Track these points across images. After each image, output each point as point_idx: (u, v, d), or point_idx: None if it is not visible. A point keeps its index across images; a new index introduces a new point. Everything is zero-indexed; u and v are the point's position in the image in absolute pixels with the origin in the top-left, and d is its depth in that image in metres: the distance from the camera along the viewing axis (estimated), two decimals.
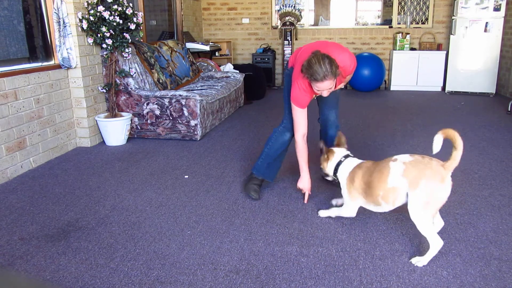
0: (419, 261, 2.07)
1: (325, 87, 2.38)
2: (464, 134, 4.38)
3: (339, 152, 2.51)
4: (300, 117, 2.62)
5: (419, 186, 2.02)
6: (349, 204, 2.40)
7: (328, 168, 2.51)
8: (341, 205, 2.55)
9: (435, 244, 2.04)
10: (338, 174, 2.45)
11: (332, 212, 2.54)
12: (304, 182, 2.74)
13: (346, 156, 2.47)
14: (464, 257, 2.12)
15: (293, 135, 2.86)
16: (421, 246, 2.23)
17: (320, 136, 3.07)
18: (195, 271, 2.02)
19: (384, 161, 2.22)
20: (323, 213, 2.59)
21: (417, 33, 7.33)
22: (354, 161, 2.42)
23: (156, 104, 4.19)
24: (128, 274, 2.00)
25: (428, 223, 2.05)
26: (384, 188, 2.15)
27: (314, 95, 2.66)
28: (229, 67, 6.53)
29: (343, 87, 2.95)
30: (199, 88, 4.98)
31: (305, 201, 2.77)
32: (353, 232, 2.39)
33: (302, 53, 2.64)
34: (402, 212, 2.62)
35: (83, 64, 3.87)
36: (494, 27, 6.46)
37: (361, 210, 2.64)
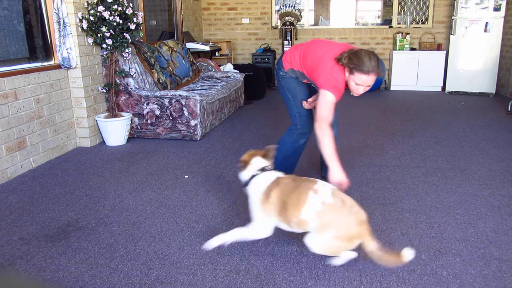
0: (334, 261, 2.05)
1: (368, 82, 2.34)
2: (464, 134, 4.38)
3: (256, 163, 2.17)
4: (331, 107, 2.43)
5: (324, 233, 1.91)
6: (261, 222, 2.08)
7: (243, 178, 2.20)
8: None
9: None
10: (249, 188, 2.12)
11: (225, 237, 2.09)
12: (337, 175, 2.33)
13: (263, 169, 2.14)
14: (464, 257, 2.12)
15: (307, 138, 2.89)
16: (421, 246, 2.23)
17: None
18: (195, 271, 2.02)
19: (305, 185, 2.00)
20: (214, 242, 2.10)
21: (417, 33, 7.33)
22: (271, 175, 2.11)
23: (156, 104, 4.19)
24: (128, 274, 2.00)
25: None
26: (298, 216, 1.97)
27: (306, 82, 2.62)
28: (229, 67, 6.53)
29: None
30: (199, 88, 4.98)
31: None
32: None
33: (316, 52, 2.56)
34: (402, 212, 2.62)
35: (83, 64, 3.87)
36: (494, 27, 6.46)
37: None
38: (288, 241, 2.29)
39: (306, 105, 2.82)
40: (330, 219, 1.91)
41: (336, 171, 2.33)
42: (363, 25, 7.70)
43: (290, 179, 2.09)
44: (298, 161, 3.10)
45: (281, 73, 2.83)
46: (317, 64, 2.52)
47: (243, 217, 2.57)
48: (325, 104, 2.43)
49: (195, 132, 4.22)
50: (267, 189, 2.06)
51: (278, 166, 2.85)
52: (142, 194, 2.93)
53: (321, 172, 3.18)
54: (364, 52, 2.33)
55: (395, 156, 3.71)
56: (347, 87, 2.49)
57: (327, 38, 7.61)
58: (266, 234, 2.11)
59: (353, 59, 2.32)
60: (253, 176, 2.13)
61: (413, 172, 3.30)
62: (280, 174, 2.15)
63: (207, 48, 6.46)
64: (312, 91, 2.89)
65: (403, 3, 7.34)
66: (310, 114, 2.84)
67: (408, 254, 1.86)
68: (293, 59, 2.72)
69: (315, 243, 1.96)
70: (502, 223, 2.48)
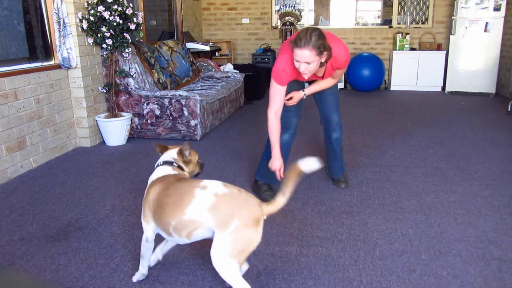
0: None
1: (303, 58, 2.25)
2: (464, 134, 4.38)
3: (167, 154, 2.00)
4: (277, 94, 2.50)
5: (229, 227, 1.59)
6: (143, 225, 1.87)
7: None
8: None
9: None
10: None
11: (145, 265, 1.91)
12: (276, 162, 2.52)
13: (164, 163, 1.95)
14: (464, 257, 2.12)
15: (292, 134, 2.83)
16: (421, 246, 2.23)
17: (324, 138, 3.04)
18: (195, 271, 2.02)
19: (189, 184, 1.74)
20: (137, 277, 1.94)
21: (417, 33, 7.33)
22: (165, 170, 1.89)
23: (156, 104, 4.19)
24: (128, 274, 2.00)
25: (235, 271, 1.61)
26: (179, 218, 1.68)
27: (295, 79, 2.57)
28: (229, 67, 6.53)
29: (338, 88, 2.89)
30: (199, 88, 4.98)
31: (279, 178, 2.54)
32: (353, 232, 2.39)
33: (281, 48, 2.59)
34: (402, 212, 2.62)
35: (83, 64, 3.87)
36: (494, 27, 6.46)
37: (361, 210, 2.64)
38: (288, 241, 2.29)
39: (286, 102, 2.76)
40: (229, 209, 1.61)
41: (275, 158, 2.53)
42: (363, 25, 7.70)
43: (175, 177, 1.82)
44: (297, 161, 3.09)
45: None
46: (280, 50, 2.57)
47: None
48: (271, 91, 2.55)
49: (195, 132, 4.22)
50: (149, 185, 1.85)
51: (264, 165, 2.83)
52: (142, 194, 2.93)
53: (325, 171, 3.18)
54: (305, 29, 2.29)
55: (395, 156, 3.71)
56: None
57: None
58: (148, 240, 1.85)
59: (294, 37, 2.31)
60: (156, 166, 1.95)
61: (413, 172, 3.30)
62: (173, 171, 1.88)
63: (207, 48, 6.46)
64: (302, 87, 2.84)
65: (403, 3, 7.34)
66: (295, 113, 2.79)
67: (307, 163, 1.69)
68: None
69: (223, 247, 1.59)
70: (502, 223, 2.48)
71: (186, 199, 1.67)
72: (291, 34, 7.26)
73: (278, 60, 2.48)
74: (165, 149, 2.03)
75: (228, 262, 1.60)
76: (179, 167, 1.95)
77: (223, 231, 1.60)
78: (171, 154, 1.99)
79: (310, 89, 2.74)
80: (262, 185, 2.91)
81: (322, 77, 2.65)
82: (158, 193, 1.77)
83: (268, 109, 2.55)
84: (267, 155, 2.76)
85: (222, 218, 1.61)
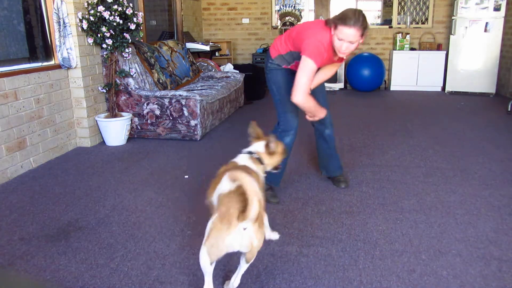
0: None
1: (349, 37, 2.28)
2: (464, 134, 4.38)
3: (255, 145, 2.15)
4: (311, 75, 2.39)
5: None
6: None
7: None
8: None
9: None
10: None
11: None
12: (321, 110, 2.55)
13: (248, 152, 2.10)
14: (464, 257, 2.12)
15: (293, 135, 2.80)
16: (421, 246, 2.23)
17: (315, 136, 3.02)
18: (195, 271, 2.02)
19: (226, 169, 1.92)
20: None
21: (417, 33, 7.33)
22: (243, 159, 2.06)
23: (156, 104, 4.19)
24: (128, 274, 2.00)
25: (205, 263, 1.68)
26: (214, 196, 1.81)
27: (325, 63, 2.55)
28: (229, 67, 6.53)
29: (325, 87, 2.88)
30: (199, 88, 4.98)
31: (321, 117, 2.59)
32: (353, 232, 2.39)
33: (305, 27, 2.53)
34: (402, 212, 2.62)
35: (83, 64, 3.87)
36: (494, 27, 6.46)
37: (361, 210, 2.64)
38: (288, 241, 2.29)
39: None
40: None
41: (318, 107, 2.53)
42: None
43: (232, 165, 1.95)
44: (297, 161, 3.10)
45: (269, 64, 2.74)
46: (305, 31, 2.49)
47: None
48: (304, 71, 2.39)
49: (195, 132, 4.22)
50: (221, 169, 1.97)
51: None
52: (142, 194, 2.93)
53: (321, 173, 3.18)
54: (351, 8, 2.35)
55: (395, 156, 3.71)
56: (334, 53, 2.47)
57: None
58: None
59: (339, 14, 2.35)
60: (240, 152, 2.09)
61: (413, 172, 3.30)
62: (243, 162, 2.00)
63: (207, 48, 6.46)
64: None
65: (403, 3, 7.34)
66: (295, 113, 2.75)
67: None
68: (280, 44, 2.67)
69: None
70: (502, 223, 2.48)
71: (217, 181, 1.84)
72: None
73: (315, 38, 2.38)
74: (257, 138, 2.16)
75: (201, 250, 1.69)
76: (258, 159, 2.06)
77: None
78: (257, 145, 2.12)
79: (313, 82, 2.67)
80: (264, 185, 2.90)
81: (337, 61, 2.66)
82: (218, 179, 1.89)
83: (298, 92, 2.40)
84: None
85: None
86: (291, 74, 2.62)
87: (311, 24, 2.54)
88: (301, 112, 2.69)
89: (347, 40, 2.31)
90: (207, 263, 1.68)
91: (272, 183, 2.87)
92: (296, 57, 2.60)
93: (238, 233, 1.61)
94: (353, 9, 2.35)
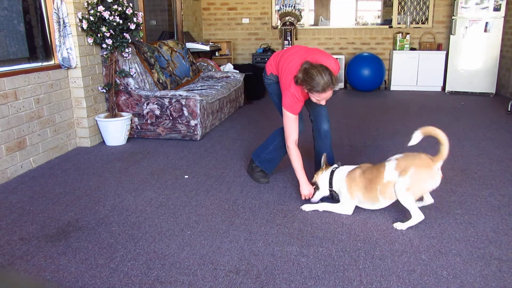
0: (399, 225, 2.40)
1: (326, 97, 2.50)
2: (464, 134, 4.38)
3: (329, 168, 2.72)
4: (293, 124, 2.67)
5: (407, 173, 2.30)
6: (348, 202, 2.58)
7: (321, 180, 2.71)
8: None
9: (416, 217, 2.35)
10: (333, 180, 2.64)
11: (321, 207, 2.65)
12: (305, 188, 2.74)
13: (335, 168, 2.69)
14: (464, 257, 2.12)
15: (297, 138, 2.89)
16: (421, 246, 2.23)
17: (313, 131, 3.05)
18: (195, 271, 2.02)
19: (377, 164, 2.52)
20: (308, 207, 2.67)
21: (417, 33, 7.34)
22: (346, 167, 2.63)
23: (156, 104, 4.19)
24: (128, 274, 2.00)
25: (411, 202, 2.34)
26: (381, 183, 2.41)
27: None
28: (229, 67, 6.53)
29: None
30: (199, 88, 4.98)
31: (315, 201, 2.76)
32: (353, 232, 2.39)
33: (285, 61, 2.67)
34: (402, 212, 2.62)
35: (83, 64, 3.87)
36: (494, 27, 6.46)
37: (361, 210, 2.64)
38: (288, 241, 2.29)
39: None
40: (405, 164, 2.35)
41: (304, 185, 2.73)
42: (363, 25, 7.70)
43: (368, 164, 2.60)
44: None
45: (266, 79, 2.94)
46: (281, 77, 2.67)
47: (243, 217, 2.57)
48: (287, 122, 2.67)
49: (195, 132, 4.22)
50: (349, 173, 2.60)
51: (266, 155, 3.06)
52: (142, 194, 2.93)
53: (315, 166, 3.18)
54: (314, 70, 2.41)
55: None
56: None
57: (327, 38, 7.61)
58: (348, 212, 2.61)
59: (307, 80, 2.43)
60: (332, 172, 2.69)
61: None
62: (351, 166, 2.66)
63: (207, 48, 6.46)
64: None
65: (403, 3, 7.34)
66: (301, 116, 2.86)
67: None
68: (273, 64, 2.84)
69: (403, 184, 2.33)
70: (502, 223, 2.48)
71: (381, 170, 2.43)
72: (291, 34, 7.27)
73: (287, 97, 2.60)
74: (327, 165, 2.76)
75: (406, 194, 2.32)
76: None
77: (403, 176, 2.31)
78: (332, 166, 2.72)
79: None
80: (257, 167, 3.15)
81: None
82: (361, 174, 2.52)
83: (288, 140, 2.70)
84: (272, 150, 3.02)
85: (402, 170, 2.33)
86: None
87: (286, 70, 2.62)
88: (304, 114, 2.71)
89: (326, 98, 2.52)
90: (413, 200, 2.35)
91: (266, 170, 3.11)
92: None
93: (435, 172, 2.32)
94: (318, 70, 2.40)
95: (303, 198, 2.76)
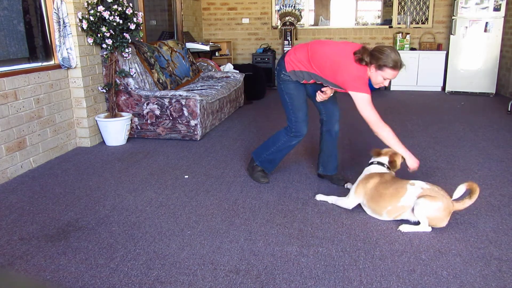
0: (404, 228, 2.39)
1: (394, 76, 2.53)
2: (464, 134, 4.38)
3: (381, 158, 2.72)
4: (371, 105, 2.61)
5: (434, 201, 2.32)
6: (351, 198, 2.62)
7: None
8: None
9: (424, 227, 2.37)
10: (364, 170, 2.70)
11: (330, 199, 2.75)
12: (414, 161, 2.62)
13: (378, 163, 2.67)
14: (464, 257, 2.12)
15: (300, 140, 2.93)
16: (421, 246, 2.23)
17: (322, 131, 3.04)
18: (195, 271, 2.02)
19: (401, 182, 2.47)
20: (320, 197, 2.80)
21: (417, 33, 7.33)
22: (380, 168, 2.63)
23: (156, 104, 4.19)
24: (128, 274, 2.00)
25: (426, 219, 2.37)
26: (395, 205, 2.42)
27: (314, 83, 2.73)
28: (229, 67, 6.53)
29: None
30: (199, 88, 4.98)
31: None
32: (353, 232, 2.39)
33: (329, 52, 2.61)
34: None
35: (83, 64, 3.87)
36: (494, 27, 6.46)
37: (361, 210, 2.64)
38: (288, 241, 2.29)
39: (319, 97, 2.86)
40: (433, 194, 2.36)
41: (410, 157, 2.62)
42: (363, 25, 7.70)
43: (390, 176, 2.55)
44: (297, 161, 3.11)
45: (282, 75, 2.79)
46: (337, 66, 2.57)
47: (243, 217, 2.57)
48: (365, 105, 2.59)
49: (195, 132, 4.22)
50: (367, 176, 2.59)
51: (267, 156, 3.05)
52: (142, 194, 2.93)
53: (318, 170, 3.18)
54: (388, 48, 2.48)
55: None
56: None
57: (327, 38, 7.61)
58: (348, 207, 2.63)
59: (380, 57, 2.45)
60: (371, 163, 2.69)
61: (413, 172, 3.29)
62: (386, 170, 2.62)
63: (207, 48, 6.46)
64: (310, 89, 2.92)
65: (403, 3, 7.34)
66: (306, 122, 2.88)
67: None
68: (298, 60, 2.69)
69: (425, 204, 2.34)
70: (502, 223, 2.48)
71: (401, 192, 2.41)
72: (291, 34, 7.26)
73: (354, 75, 2.55)
74: (378, 153, 2.73)
75: (425, 220, 2.35)
76: (388, 168, 2.64)
77: (431, 201, 2.31)
78: (384, 158, 2.69)
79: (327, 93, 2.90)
80: (258, 167, 3.13)
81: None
82: (377, 183, 2.49)
83: (375, 125, 2.64)
84: (274, 151, 3.01)
85: (428, 196, 2.33)
86: (303, 85, 2.84)
87: (340, 58, 2.58)
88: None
89: (392, 78, 2.55)
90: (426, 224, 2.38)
91: (267, 170, 3.12)
92: (317, 79, 2.72)
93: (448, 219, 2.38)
94: (390, 48, 2.47)
95: (411, 170, 2.64)
